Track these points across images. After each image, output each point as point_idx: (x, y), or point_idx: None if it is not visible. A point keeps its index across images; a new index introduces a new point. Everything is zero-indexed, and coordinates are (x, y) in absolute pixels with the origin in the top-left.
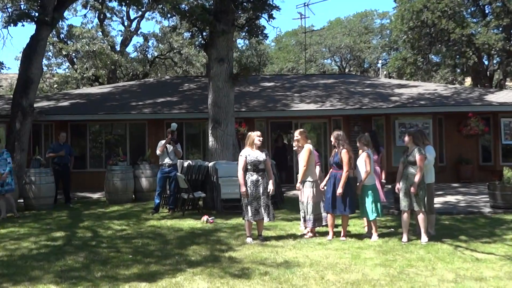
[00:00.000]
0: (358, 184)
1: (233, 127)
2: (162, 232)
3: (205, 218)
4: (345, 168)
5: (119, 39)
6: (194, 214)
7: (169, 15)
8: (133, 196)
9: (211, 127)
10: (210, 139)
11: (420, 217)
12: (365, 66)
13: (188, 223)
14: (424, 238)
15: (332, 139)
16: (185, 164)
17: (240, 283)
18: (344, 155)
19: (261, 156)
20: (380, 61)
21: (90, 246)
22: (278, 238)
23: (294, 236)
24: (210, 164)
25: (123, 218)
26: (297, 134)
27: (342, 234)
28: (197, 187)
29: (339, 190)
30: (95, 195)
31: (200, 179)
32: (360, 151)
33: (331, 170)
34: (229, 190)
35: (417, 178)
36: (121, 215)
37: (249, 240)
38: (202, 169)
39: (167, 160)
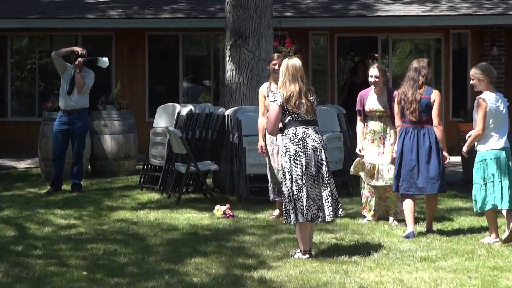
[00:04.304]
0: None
1: (270, 46)
2: (140, 232)
3: (221, 208)
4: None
5: None
6: (198, 201)
7: None
8: (89, 166)
9: (230, 45)
10: (229, 66)
11: None
12: None
13: (188, 217)
14: None
15: (417, 69)
16: (184, 111)
17: None
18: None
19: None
20: None
21: (14, 253)
22: (348, 247)
23: (376, 244)
24: (228, 111)
25: (71, 205)
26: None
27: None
28: (203, 153)
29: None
30: (22, 164)
31: (210, 138)
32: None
33: None
34: (261, 159)
35: None
36: (68, 199)
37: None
38: (213, 120)
39: (64, 103)
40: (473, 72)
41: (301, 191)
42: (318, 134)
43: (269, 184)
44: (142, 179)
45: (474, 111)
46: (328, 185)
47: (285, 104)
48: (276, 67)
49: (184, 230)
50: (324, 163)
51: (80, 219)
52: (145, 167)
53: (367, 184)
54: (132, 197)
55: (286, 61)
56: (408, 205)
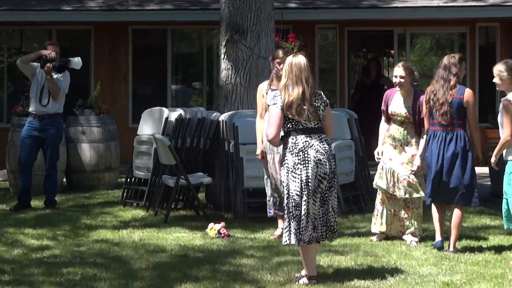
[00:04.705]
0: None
1: (271, 41)
2: (123, 255)
3: (215, 227)
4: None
5: None
6: (189, 219)
7: None
8: (64, 179)
9: (225, 41)
10: (224, 65)
11: None
12: None
13: (177, 237)
14: None
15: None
16: (173, 116)
17: None
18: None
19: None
20: None
21: None
22: (360, 270)
23: (392, 267)
24: (223, 117)
25: (44, 223)
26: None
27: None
28: (195, 164)
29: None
30: None
31: (202, 147)
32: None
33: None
34: (260, 171)
35: None
36: (41, 217)
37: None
38: (206, 127)
39: (35, 108)
40: (496, 69)
41: (298, 209)
42: (323, 144)
43: (267, 198)
44: (125, 194)
45: (499, 115)
46: (326, 202)
47: (285, 110)
48: (281, 67)
49: (173, 252)
50: (327, 177)
51: (54, 240)
52: (129, 180)
53: (382, 192)
54: (113, 215)
55: (289, 59)
56: (435, 214)
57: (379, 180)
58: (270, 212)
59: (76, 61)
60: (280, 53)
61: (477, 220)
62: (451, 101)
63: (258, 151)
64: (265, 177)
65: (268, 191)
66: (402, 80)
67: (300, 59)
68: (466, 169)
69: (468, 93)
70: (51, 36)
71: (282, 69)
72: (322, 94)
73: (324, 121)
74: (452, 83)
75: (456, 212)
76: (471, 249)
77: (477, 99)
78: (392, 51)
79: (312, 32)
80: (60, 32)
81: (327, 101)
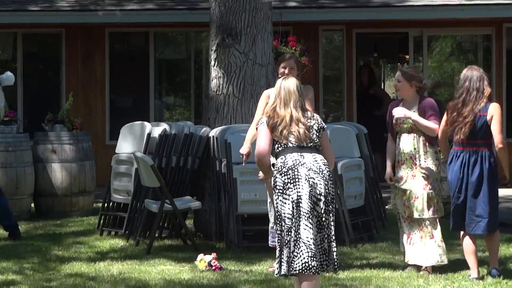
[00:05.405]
0: None
1: (268, 46)
2: None
3: (205, 259)
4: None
5: None
6: (175, 249)
7: None
8: (32, 204)
9: (216, 45)
10: (215, 73)
11: None
12: None
13: (162, 270)
14: None
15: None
16: (156, 131)
17: None
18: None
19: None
20: None
21: None
22: None
23: None
24: (213, 132)
25: (8, 255)
26: None
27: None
28: (182, 186)
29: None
30: None
31: (190, 167)
32: None
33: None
34: (256, 195)
35: None
36: (5, 248)
37: None
38: (194, 144)
39: None
40: None
41: (290, 233)
42: (317, 162)
43: (271, 225)
44: (101, 221)
45: None
46: (323, 227)
47: (270, 132)
48: (286, 70)
49: (157, 287)
50: (323, 199)
51: (21, 274)
52: (106, 205)
53: (397, 214)
54: (89, 245)
55: (279, 82)
56: (466, 246)
57: (392, 205)
58: (274, 241)
59: (6, 78)
60: (287, 56)
61: (505, 249)
62: (475, 117)
63: (244, 151)
64: (269, 200)
65: (272, 217)
66: (398, 84)
67: (290, 82)
68: (490, 194)
69: (492, 106)
70: (16, 40)
71: (287, 74)
72: (317, 117)
73: (321, 148)
74: (486, 93)
75: (491, 238)
76: (498, 283)
77: (505, 110)
78: (407, 56)
79: (315, 34)
80: (27, 35)
81: (324, 125)
